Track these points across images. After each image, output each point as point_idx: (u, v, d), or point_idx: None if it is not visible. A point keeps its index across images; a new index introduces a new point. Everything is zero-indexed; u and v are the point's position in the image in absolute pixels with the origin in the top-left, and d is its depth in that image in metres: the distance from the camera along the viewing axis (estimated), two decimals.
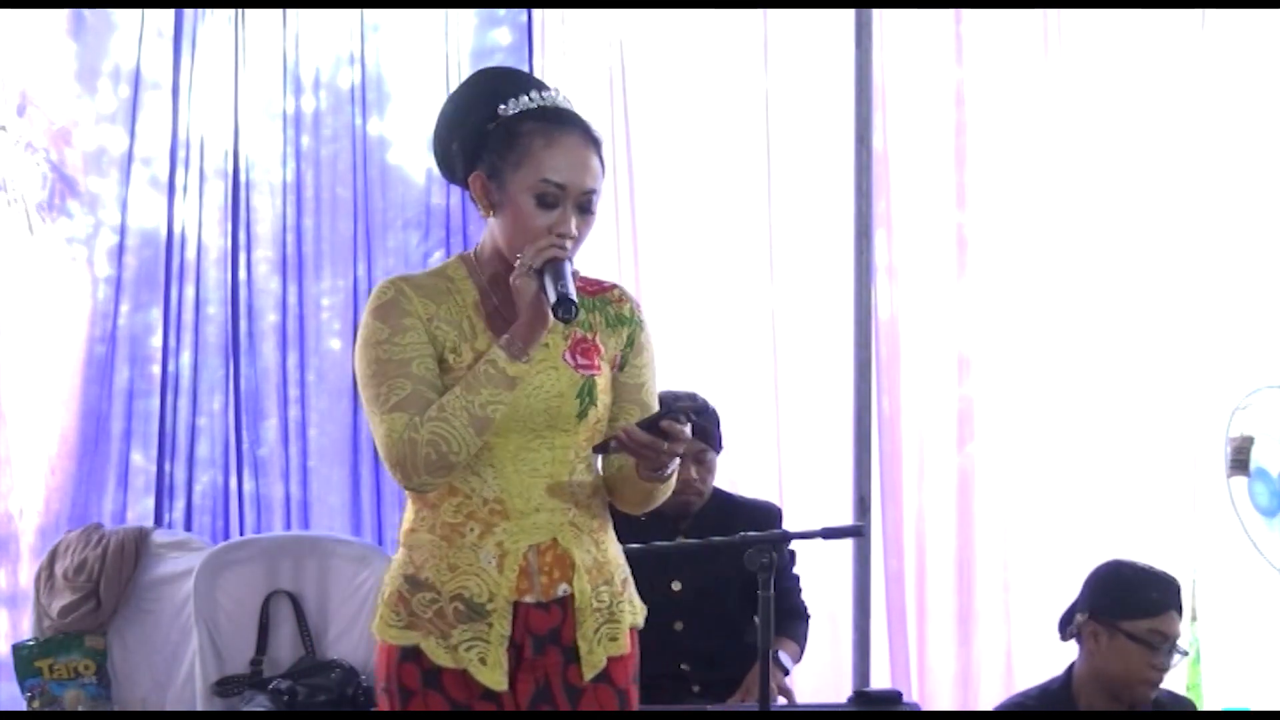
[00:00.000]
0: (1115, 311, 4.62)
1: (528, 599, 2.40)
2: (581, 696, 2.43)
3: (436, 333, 2.42)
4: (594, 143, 2.45)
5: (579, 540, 2.44)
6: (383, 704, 2.45)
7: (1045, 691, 3.48)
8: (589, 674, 2.43)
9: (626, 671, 2.49)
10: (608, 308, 2.53)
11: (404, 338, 2.40)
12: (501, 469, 2.40)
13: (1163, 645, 3.33)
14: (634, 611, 2.51)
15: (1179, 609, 3.40)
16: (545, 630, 2.42)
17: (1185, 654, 3.41)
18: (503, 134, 2.41)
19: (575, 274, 2.38)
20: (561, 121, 2.43)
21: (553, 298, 2.31)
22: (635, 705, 2.50)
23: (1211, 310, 4.60)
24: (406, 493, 2.46)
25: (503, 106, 2.43)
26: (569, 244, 2.37)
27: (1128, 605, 3.35)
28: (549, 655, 2.43)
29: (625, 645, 2.47)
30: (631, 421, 2.41)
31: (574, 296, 2.31)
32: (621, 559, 2.52)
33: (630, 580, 2.53)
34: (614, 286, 2.57)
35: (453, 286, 2.46)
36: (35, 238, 4.83)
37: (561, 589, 2.42)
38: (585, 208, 2.42)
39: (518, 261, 2.36)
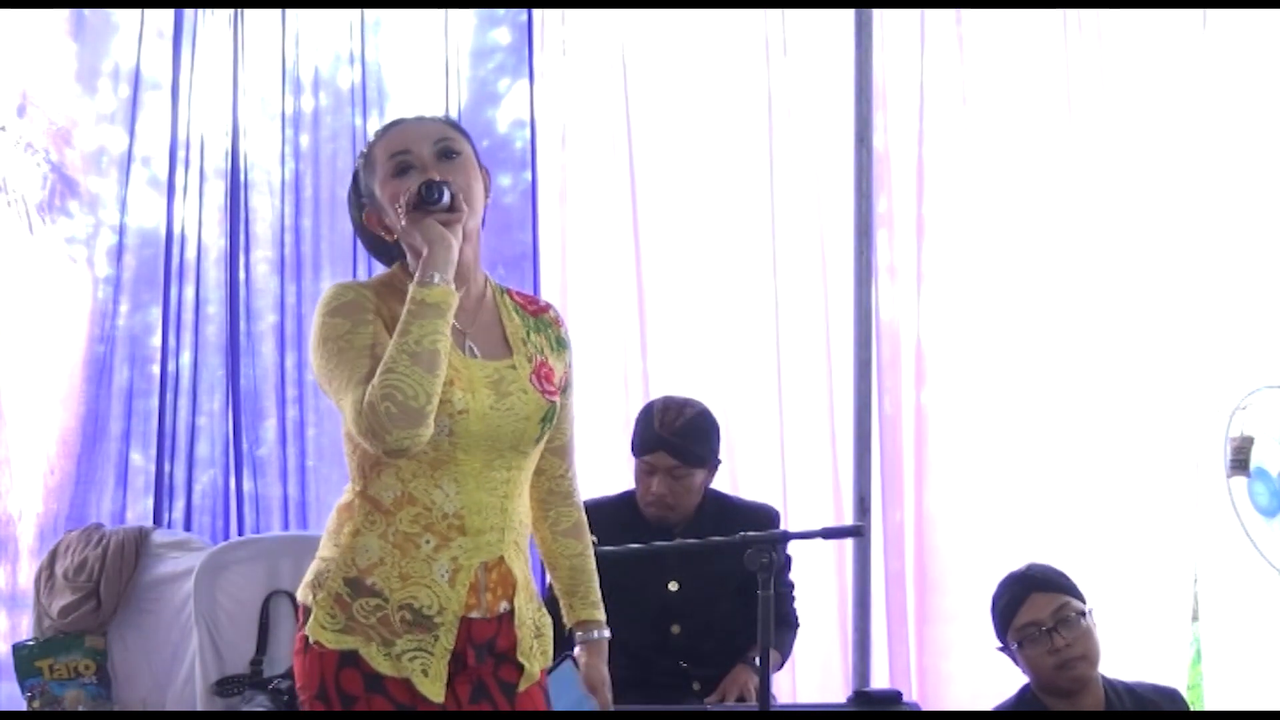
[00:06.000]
0: (1116, 311, 4.62)
1: (474, 614, 2.45)
2: (515, 692, 2.50)
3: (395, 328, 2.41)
4: (432, 119, 2.56)
5: (518, 559, 2.51)
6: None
7: (1020, 699, 3.53)
8: (524, 685, 2.51)
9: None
10: (548, 330, 2.61)
11: (365, 329, 2.41)
12: (464, 485, 2.43)
13: (1041, 631, 3.42)
14: (549, 625, 2.62)
15: (1039, 588, 3.48)
16: (484, 640, 2.47)
17: (1081, 613, 3.43)
18: (361, 166, 2.58)
19: (448, 185, 2.42)
20: (393, 123, 2.58)
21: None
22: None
23: (1211, 310, 4.60)
24: (353, 495, 2.46)
25: (359, 160, 2.59)
26: (434, 176, 2.44)
27: (1000, 621, 3.54)
28: (485, 660, 2.48)
29: (551, 657, 2.60)
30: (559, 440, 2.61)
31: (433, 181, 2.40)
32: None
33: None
34: (549, 306, 2.66)
35: (402, 288, 2.45)
36: (35, 238, 4.83)
37: (503, 606, 2.48)
38: (445, 154, 2.49)
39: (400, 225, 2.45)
